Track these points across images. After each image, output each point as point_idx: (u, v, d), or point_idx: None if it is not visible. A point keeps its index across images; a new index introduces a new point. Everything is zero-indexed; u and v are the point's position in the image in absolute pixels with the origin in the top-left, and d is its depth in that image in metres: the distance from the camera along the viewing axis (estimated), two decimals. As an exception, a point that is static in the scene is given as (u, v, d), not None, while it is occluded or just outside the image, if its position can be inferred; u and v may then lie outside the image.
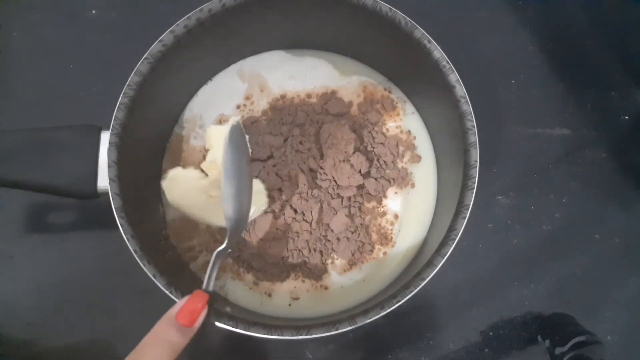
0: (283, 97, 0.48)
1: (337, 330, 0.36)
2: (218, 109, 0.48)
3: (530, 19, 0.55)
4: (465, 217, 0.38)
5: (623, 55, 0.54)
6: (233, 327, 0.36)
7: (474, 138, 0.39)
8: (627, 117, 0.53)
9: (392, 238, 0.45)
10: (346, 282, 0.45)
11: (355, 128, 0.47)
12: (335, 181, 0.44)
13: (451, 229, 0.38)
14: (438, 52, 0.40)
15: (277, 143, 0.45)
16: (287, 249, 0.44)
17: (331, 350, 0.47)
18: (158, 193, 0.46)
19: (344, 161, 0.44)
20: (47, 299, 0.47)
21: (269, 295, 0.44)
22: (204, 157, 0.46)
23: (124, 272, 0.45)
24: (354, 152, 0.45)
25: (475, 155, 0.39)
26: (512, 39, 0.54)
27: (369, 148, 0.46)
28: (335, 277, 0.45)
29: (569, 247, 0.50)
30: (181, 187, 0.41)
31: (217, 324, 0.36)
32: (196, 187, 0.41)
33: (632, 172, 0.52)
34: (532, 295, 0.48)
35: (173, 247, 0.44)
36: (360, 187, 0.45)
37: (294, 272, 0.45)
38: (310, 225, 0.44)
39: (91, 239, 0.48)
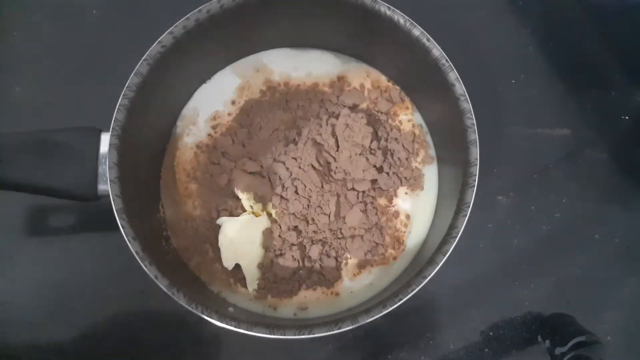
0: (286, 84, 0.48)
1: (339, 329, 0.35)
2: (214, 106, 0.48)
3: (530, 19, 0.55)
4: (466, 215, 0.38)
5: (623, 55, 0.54)
6: (235, 327, 0.35)
7: (474, 136, 0.39)
8: (627, 117, 0.53)
9: (403, 241, 0.45)
10: (355, 286, 0.44)
11: (370, 120, 0.46)
12: (349, 174, 0.44)
13: (452, 226, 0.38)
14: (437, 50, 0.40)
15: (287, 118, 0.45)
16: (303, 256, 0.43)
17: (331, 350, 0.47)
18: (158, 194, 0.45)
19: (360, 154, 0.44)
20: (47, 299, 0.47)
21: (274, 308, 0.43)
22: (195, 155, 0.46)
23: (125, 273, 0.45)
24: (370, 146, 0.45)
25: (476, 153, 0.39)
26: (512, 39, 0.54)
27: (383, 142, 0.46)
28: (347, 282, 0.44)
29: (569, 247, 0.50)
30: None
31: (219, 324, 0.36)
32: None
33: (632, 172, 0.51)
34: (532, 295, 0.48)
35: (174, 249, 0.44)
36: (374, 181, 0.45)
37: (306, 283, 0.44)
38: (329, 218, 0.43)
39: (91, 240, 0.48)
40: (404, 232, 0.45)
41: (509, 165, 0.51)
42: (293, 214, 0.43)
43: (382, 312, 0.36)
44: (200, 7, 0.40)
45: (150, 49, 0.39)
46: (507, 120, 0.52)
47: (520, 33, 0.55)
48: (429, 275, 0.37)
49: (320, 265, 0.43)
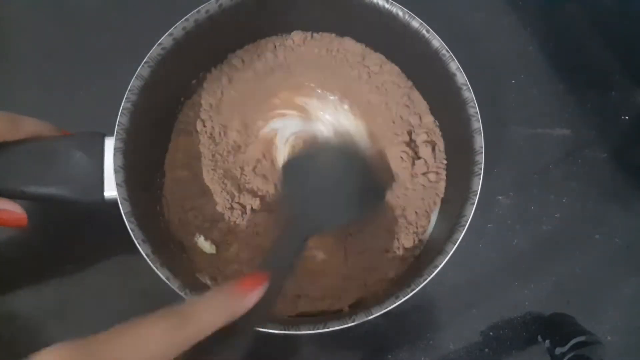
0: None
1: (353, 322, 0.35)
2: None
3: (530, 19, 0.55)
4: (473, 203, 0.38)
5: (623, 55, 0.54)
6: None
7: (478, 124, 0.39)
8: (627, 117, 0.53)
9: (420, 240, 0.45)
10: None
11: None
12: None
13: (460, 215, 0.38)
14: (437, 41, 0.41)
15: None
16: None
17: (331, 350, 0.47)
18: (161, 195, 0.45)
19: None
20: (48, 299, 0.46)
21: None
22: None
23: (127, 273, 0.46)
24: None
25: (480, 141, 0.39)
26: (512, 39, 0.54)
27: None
28: None
29: (569, 247, 0.50)
30: None
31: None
32: None
33: (632, 172, 0.51)
34: (532, 295, 0.48)
35: (181, 250, 0.44)
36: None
37: None
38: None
39: (94, 240, 0.48)
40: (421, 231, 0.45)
41: (509, 165, 0.51)
42: None
43: (395, 302, 0.36)
44: (199, 8, 0.40)
45: (151, 51, 0.39)
46: (507, 120, 0.52)
47: (520, 33, 0.55)
48: (440, 264, 0.37)
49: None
